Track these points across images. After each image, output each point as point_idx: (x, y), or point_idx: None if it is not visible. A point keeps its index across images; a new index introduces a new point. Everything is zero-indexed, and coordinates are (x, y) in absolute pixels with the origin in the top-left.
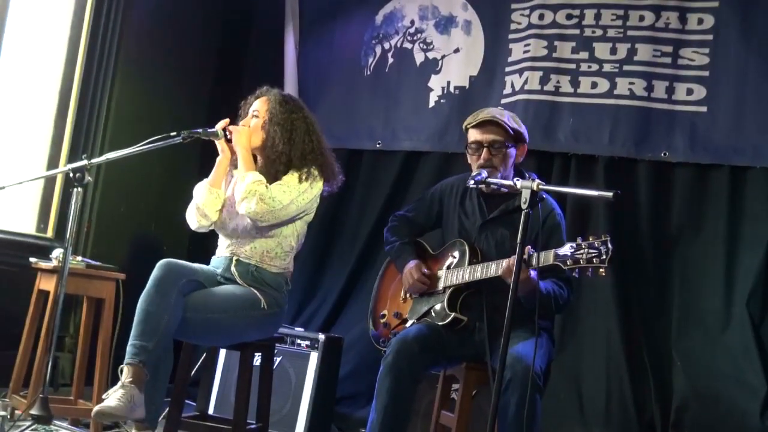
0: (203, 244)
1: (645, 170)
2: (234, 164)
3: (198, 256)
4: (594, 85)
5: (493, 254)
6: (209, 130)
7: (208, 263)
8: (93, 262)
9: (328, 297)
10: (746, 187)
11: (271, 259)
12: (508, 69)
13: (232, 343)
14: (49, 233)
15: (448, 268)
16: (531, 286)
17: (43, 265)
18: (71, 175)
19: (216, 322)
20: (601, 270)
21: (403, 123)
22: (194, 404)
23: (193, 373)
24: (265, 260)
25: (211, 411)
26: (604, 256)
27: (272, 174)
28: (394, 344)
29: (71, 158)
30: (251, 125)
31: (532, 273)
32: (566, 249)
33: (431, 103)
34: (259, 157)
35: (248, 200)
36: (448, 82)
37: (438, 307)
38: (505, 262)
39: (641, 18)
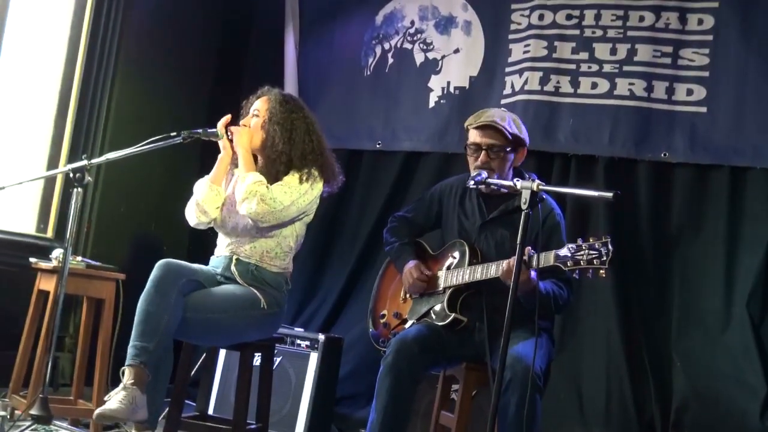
0: (203, 244)
1: (645, 171)
2: (235, 163)
3: (198, 255)
4: (594, 85)
5: (492, 255)
6: (209, 130)
7: (207, 263)
8: (93, 262)
9: (328, 297)
10: (746, 188)
11: (270, 259)
12: (508, 69)
13: (232, 343)
14: (49, 233)
15: (448, 268)
16: (531, 286)
17: (43, 265)
18: (71, 175)
19: (216, 322)
20: (601, 271)
21: (403, 123)
22: (194, 404)
23: (192, 373)
24: (264, 260)
25: (210, 411)
26: (604, 258)
27: (273, 174)
28: (394, 344)
29: (71, 158)
30: (251, 125)
31: (532, 273)
32: (567, 250)
33: (431, 104)
34: (259, 157)
35: (249, 201)
36: (448, 83)
37: (438, 307)
38: (505, 264)
39: (641, 18)
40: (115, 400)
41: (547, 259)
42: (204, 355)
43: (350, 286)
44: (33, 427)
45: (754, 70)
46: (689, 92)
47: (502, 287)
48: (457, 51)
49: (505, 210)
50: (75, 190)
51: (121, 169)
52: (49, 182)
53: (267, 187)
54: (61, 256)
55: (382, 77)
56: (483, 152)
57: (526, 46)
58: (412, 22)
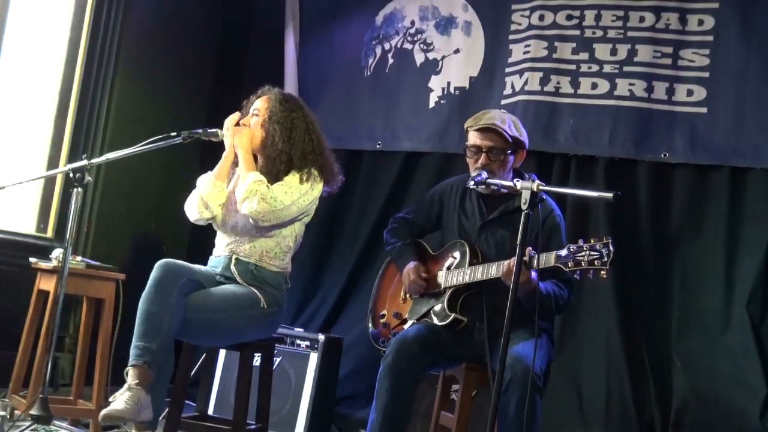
0: (203, 244)
1: (645, 171)
2: (235, 163)
3: (197, 255)
4: (594, 86)
5: (493, 255)
6: (209, 130)
7: (206, 263)
8: (93, 262)
9: (328, 297)
10: (746, 188)
11: (270, 259)
12: (508, 70)
13: (232, 343)
14: (49, 233)
15: (449, 268)
16: (531, 287)
17: (43, 265)
18: (71, 175)
19: (216, 322)
20: (602, 272)
21: (403, 123)
22: (194, 404)
23: (192, 373)
24: (264, 259)
25: (210, 411)
26: (605, 258)
27: (273, 173)
28: (394, 344)
29: (71, 158)
30: (251, 124)
31: (533, 274)
32: (567, 251)
33: (431, 104)
34: (259, 157)
35: (249, 200)
36: (449, 83)
37: (438, 307)
38: (505, 264)
39: (641, 19)
40: (120, 400)
41: (548, 259)
42: (204, 355)
43: (350, 286)
44: (33, 427)
45: (754, 71)
46: (689, 93)
47: (502, 287)
48: (457, 51)
49: (505, 210)
50: (75, 190)
51: (120, 169)
52: (49, 182)
53: (267, 186)
54: (61, 256)
55: (382, 77)
56: (483, 155)
57: (526, 46)
58: (413, 23)
